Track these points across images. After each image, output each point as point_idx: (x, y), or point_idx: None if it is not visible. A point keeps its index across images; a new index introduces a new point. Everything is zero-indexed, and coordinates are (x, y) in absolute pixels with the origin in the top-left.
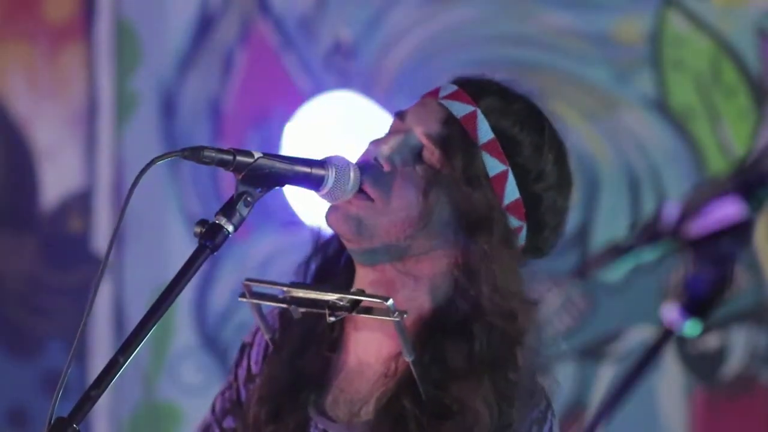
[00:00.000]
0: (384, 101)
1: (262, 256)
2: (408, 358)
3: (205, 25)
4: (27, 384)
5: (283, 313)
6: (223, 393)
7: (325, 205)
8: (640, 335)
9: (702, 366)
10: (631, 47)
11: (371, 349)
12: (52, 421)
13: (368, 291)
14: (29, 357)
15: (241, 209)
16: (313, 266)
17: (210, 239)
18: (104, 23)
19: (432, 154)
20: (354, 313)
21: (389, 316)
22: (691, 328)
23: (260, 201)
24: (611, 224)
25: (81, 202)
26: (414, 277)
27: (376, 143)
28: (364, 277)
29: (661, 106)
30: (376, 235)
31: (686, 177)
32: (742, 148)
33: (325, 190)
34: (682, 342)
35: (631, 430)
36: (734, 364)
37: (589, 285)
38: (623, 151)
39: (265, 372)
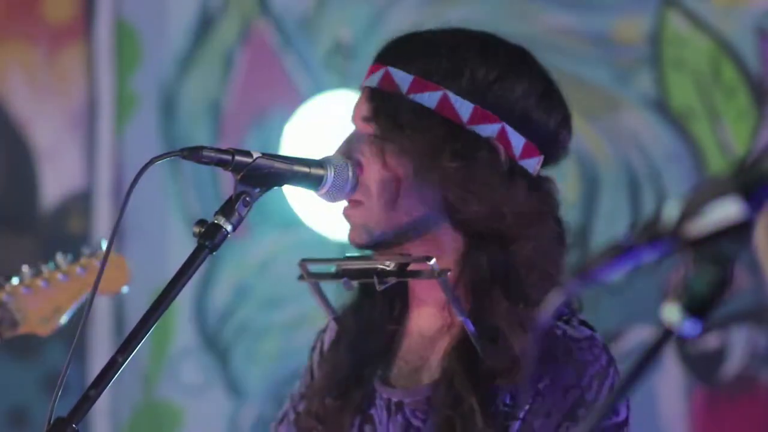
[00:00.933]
0: None
1: (261, 256)
2: (459, 317)
3: (205, 25)
4: (27, 384)
5: (348, 302)
6: (301, 378)
7: (324, 204)
8: (640, 335)
9: (702, 366)
10: (631, 47)
11: (431, 319)
12: (52, 421)
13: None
14: (29, 357)
15: (240, 209)
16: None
17: (209, 239)
18: (104, 23)
19: (372, 129)
20: (401, 278)
21: (433, 277)
22: (691, 328)
23: (259, 201)
24: (611, 224)
25: (81, 202)
26: (445, 245)
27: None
28: None
29: (661, 106)
30: (385, 229)
31: (686, 177)
32: (742, 148)
33: (323, 190)
34: (682, 342)
35: (631, 430)
36: (734, 364)
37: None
38: (623, 151)
39: (330, 354)
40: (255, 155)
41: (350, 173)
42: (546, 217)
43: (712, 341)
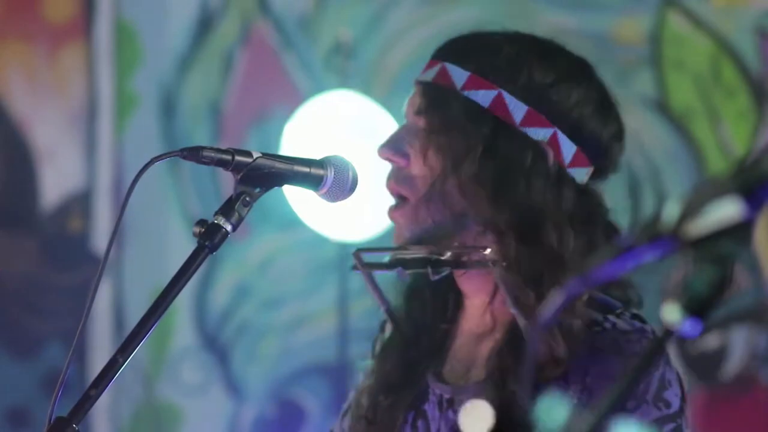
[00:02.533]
0: (384, 101)
1: (261, 256)
2: (510, 308)
3: (205, 25)
4: (27, 384)
5: (400, 303)
6: (365, 369)
7: (324, 204)
8: None
9: (702, 366)
10: (631, 47)
11: (478, 319)
12: (52, 421)
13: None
14: (29, 357)
15: (240, 209)
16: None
17: (209, 239)
18: (104, 23)
19: (423, 123)
20: (455, 268)
21: (487, 267)
22: (691, 328)
23: (259, 200)
24: None
25: (81, 202)
26: (485, 243)
27: (380, 148)
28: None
29: (661, 106)
30: (424, 225)
31: (686, 177)
32: (742, 148)
33: (324, 190)
34: (682, 342)
35: None
36: (734, 364)
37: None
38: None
39: (382, 355)
40: (255, 155)
41: (350, 173)
42: (595, 223)
43: (712, 341)
